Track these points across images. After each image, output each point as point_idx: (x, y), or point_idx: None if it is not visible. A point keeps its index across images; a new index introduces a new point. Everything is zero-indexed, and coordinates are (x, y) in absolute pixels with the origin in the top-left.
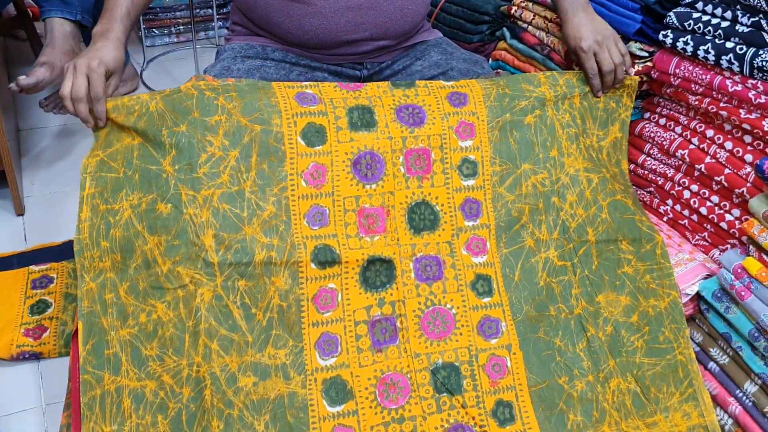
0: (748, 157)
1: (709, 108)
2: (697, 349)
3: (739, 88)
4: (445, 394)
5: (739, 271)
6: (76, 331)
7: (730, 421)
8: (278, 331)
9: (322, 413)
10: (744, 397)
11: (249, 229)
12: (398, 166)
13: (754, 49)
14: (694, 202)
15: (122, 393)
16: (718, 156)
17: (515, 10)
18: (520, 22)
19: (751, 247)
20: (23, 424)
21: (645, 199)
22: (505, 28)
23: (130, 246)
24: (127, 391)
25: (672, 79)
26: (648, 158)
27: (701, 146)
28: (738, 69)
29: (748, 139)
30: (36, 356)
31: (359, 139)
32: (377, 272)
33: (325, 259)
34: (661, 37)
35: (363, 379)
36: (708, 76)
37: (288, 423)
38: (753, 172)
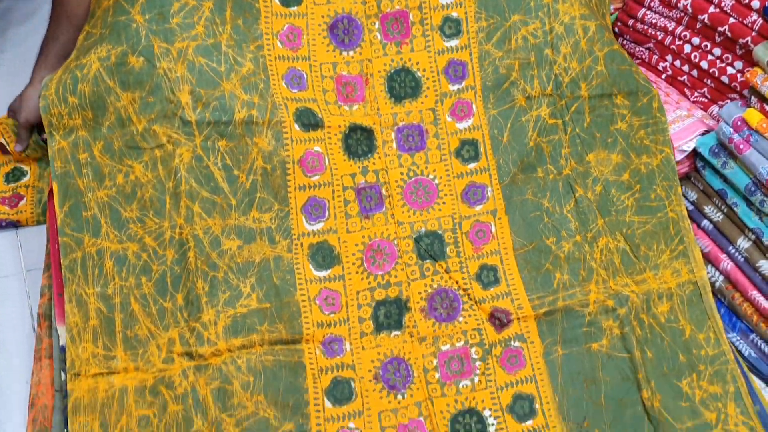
0: (755, 4)
1: None
2: (691, 207)
3: None
4: (428, 261)
5: (739, 123)
6: (51, 192)
7: (721, 278)
8: (263, 194)
9: (308, 276)
10: (736, 253)
11: (227, 84)
12: (374, 33)
13: None
14: (695, 56)
15: (104, 255)
16: (722, 4)
17: None
18: None
19: (752, 98)
20: (4, 289)
21: (643, 56)
22: None
23: (101, 103)
24: (109, 253)
25: None
26: (648, 12)
27: None
28: None
29: None
30: (14, 225)
31: (336, 1)
32: (358, 141)
33: (308, 121)
34: None
35: (350, 245)
36: None
37: (274, 284)
38: (759, 18)
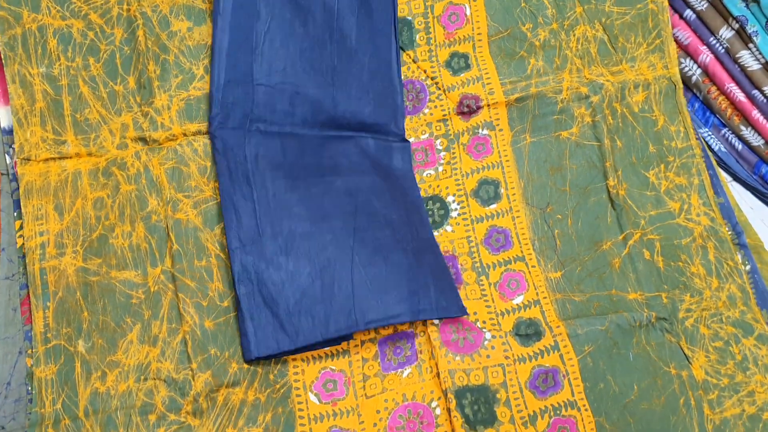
0: None
1: None
2: None
3: None
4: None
5: None
6: None
7: (699, 71)
8: None
9: None
10: (717, 44)
11: None
12: None
13: None
14: None
15: (46, 32)
16: None
17: None
18: None
19: None
20: None
21: None
22: None
23: None
24: (52, 30)
25: None
26: None
27: None
28: None
29: None
30: None
31: None
32: None
33: None
34: None
35: None
36: None
37: None
38: None
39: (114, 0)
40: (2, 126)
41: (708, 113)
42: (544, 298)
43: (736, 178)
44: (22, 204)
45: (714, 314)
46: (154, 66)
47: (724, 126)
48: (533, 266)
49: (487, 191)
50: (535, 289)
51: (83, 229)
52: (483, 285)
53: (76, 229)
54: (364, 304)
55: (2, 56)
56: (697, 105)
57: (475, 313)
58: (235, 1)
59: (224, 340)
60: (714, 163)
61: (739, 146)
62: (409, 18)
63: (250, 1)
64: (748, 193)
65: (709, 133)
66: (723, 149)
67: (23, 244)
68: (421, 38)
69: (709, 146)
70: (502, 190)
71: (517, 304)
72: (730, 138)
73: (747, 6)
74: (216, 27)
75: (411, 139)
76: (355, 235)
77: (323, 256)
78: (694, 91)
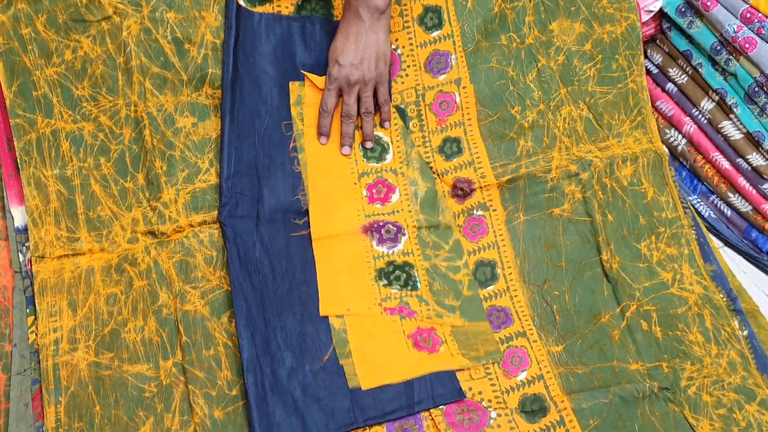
0: None
1: None
2: (656, 71)
3: None
4: None
5: None
6: None
7: (684, 141)
8: (214, 70)
9: None
10: (699, 115)
11: None
12: None
13: None
14: None
15: (59, 136)
16: None
17: None
18: None
19: None
20: None
21: None
22: None
23: None
24: (64, 134)
25: None
26: None
27: None
28: None
29: None
30: None
31: None
32: (313, 10)
33: None
34: None
35: None
36: None
37: None
38: None
39: (122, 102)
40: (16, 225)
41: (696, 181)
42: (548, 372)
43: (728, 243)
44: (36, 301)
45: (716, 381)
46: (160, 163)
47: (712, 193)
48: (535, 341)
49: (484, 272)
50: (538, 363)
51: (96, 324)
52: (487, 363)
53: (88, 324)
54: (361, 401)
55: (18, 161)
56: (684, 173)
57: (480, 393)
58: (240, 102)
59: (234, 430)
60: (704, 230)
61: (728, 212)
62: (402, 106)
63: (252, 101)
64: (741, 258)
65: (698, 200)
66: (713, 215)
67: (35, 339)
68: (414, 125)
69: (699, 213)
70: (499, 271)
71: (521, 381)
72: (718, 204)
73: (725, 79)
74: (224, 121)
75: None
76: None
77: (323, 353)
78: (681, 160)
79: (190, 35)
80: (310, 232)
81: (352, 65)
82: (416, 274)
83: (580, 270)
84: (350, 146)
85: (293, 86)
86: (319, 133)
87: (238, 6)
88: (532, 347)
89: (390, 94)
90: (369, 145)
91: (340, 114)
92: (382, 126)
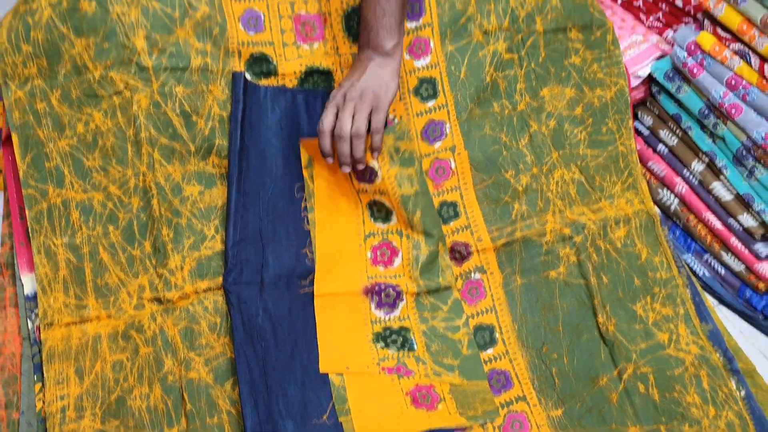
0: None
1: None
2: (647, 132)
3: None
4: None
5: (693, 47)
6: (4, 140)
7: (677, 201)
8: (221, 141)
9: None
10: (691, 176)
11: (181, 31)
12: None
13: None
14: None
15: (69, 206)
16: None
17: None
18: None
19: (705, 21)
20: None
21: None
22: None
23: (56, 50)
24: (74, 203)
25: None
26: None
27: None
28: None
29: None
30: None
31: None
32: (315, 84)
33: (261, 70)
34: None
35: None
36: None
37: None
38: None
39: (131, 172)
40: (26, 292)
41: (690, 240)
42: None
43: (723, 301)
44: (44, 369)
45: None
46: (167, 230)
47: (706, 252)
48: (534, 405)
49: (483, 337)
50: (538, 428)
51: (102, 392)
52: (488, 430)
53: (95, 391)
54: None
55: (30, 230)
56: (678, 232)
57: None
58: (246, 172)
59: None
60: (699, 288)
61: (722, 271)
62: None
63: (258, 171)
64: (736, 317)
65: (692, 258)
66: (707, 274)
67: (42, 407)
68: None
69: (694, 272)
70: (497, 335)
71: None
72: (712, 263)
73: (714, 142)
74: (230, 190)
75: None
76: None
77: (323, 416)
78: (675, 219)
79: (197, 108)
80: (313, 290)
81: (352, 85)
82: (413, 337)
83: (578, 333)
84: (348, 165)
85: (303, 150)
86: (323, 155)
87: (245, 80)
88: (532, 412)
89: (386, 124)
90: (360, 167)
91: (333, 133)
92: (371, 154)
